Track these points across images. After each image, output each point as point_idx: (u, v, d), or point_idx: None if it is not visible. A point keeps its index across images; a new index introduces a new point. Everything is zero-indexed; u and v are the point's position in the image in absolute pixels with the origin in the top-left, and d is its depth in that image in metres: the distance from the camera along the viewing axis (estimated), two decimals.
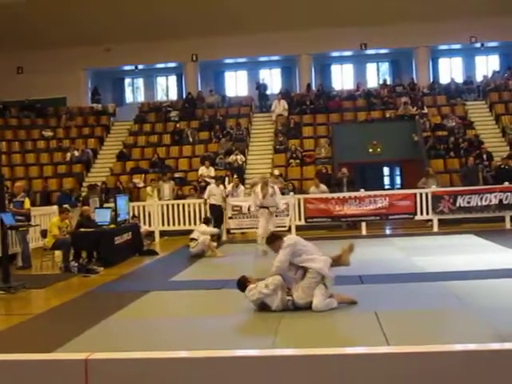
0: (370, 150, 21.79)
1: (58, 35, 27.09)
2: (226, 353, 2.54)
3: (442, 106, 25.11)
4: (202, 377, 2.43)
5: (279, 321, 7.10)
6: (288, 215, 17.13)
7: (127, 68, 30.07)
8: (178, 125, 25.04)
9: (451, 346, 2.50)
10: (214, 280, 10.43)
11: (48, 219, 15.42)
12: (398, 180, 25.68)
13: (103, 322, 7.51)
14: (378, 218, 17.14)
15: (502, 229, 16.28)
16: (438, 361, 2.35)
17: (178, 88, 30.77)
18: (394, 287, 9.04)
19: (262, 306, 7.65)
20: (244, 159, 22.43)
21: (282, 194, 18.41)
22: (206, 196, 17.13)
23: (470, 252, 12.29)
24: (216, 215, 16.76)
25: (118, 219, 13.97)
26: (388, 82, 27.84)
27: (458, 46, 28.74)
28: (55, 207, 16.27)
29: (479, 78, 27.89)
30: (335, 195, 17.53)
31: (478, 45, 27.83)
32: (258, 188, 14.45)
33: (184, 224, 17.69)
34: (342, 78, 29.91)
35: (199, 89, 28.54)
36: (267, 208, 14.12)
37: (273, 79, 29.91)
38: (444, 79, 28.23)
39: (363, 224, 17.00)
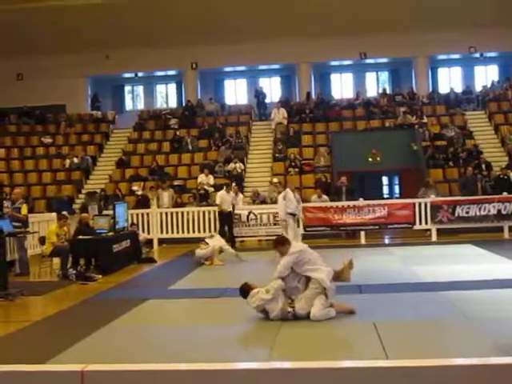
0: (369, 159, 21.80)
1: (58, 42, 27.12)
2: (225, 365, 2.53)
3: (441, 115, 25.16)
4: None
5: (277, 330, 7.07)
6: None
7: (127, 75, 30.10)
8: (177, 132, 25.05)
9: (451, 360, 2.48)
10: (212, 288, 10.41)
11: (46, 226, 15.40)
12: (396, 189, 25.69)
13: (101, 330, 7.48)
14: (376, 227, 17.14)
15: (500, 239, 16.28)
16: (437, 375, 2.34)
17: (177, 96, 30.79)
18: (392, 297, 9.02)
19: (264, 313, 7.64)
20: (243, 167, 22.43)
21: None
22: (218, 202, 16.99)
23: (468, 262, 12.28)
24: (226, 222, 16.71)
25: (117, 227, 13.95)
26: (387, 92, 27.88)
27: (457, 56, 28.82)
28: (54, 214, 16.25)
29: (478, 87, 27.95)
30: (334, 204, 17.52)
31: (477, 55, 27.90)
32: (291, 195, 14.38)
33: (183, 232, 17.70)
34: (342, 87, 29.96)
35: (199, 97, 28.57)
36: (295, 215, 14.22)
37: (272, 88, 29.94)
38: (443, 89, 28.29)
39: (362, 233, 17.00)
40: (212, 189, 20.33)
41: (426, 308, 8.16)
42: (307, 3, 25.90)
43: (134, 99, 31.62)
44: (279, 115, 25.38)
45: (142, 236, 16.12)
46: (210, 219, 17.54)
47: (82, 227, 13.48)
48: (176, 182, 21.67)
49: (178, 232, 17.72)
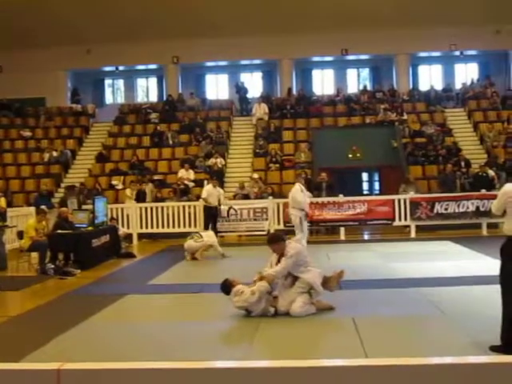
0: (350, 156, 21.87)
1: (39, 35, 26.85)
2: (204, 364, 2.52)
3: (421, 112, 25.29)
4: None
5: (257, 327, 7.08)
6: (267, 219, 17.14)
7: (107, 69, 29.89)
8: (158, 127, 24.93)
9: (427, 359, 2.50)
10: (192, 284, 10.41)
11: (25, 220, 15.28)
12: (376, 186, 25.80)
13: (79, 325, 7.44)
14: (356, 223, 17.22)
15: (478, 235, 16.42)
16: (415, 373, 2.36)
17: (158, 90, 30.65)
18: (371, 293, 9.08)
19: (246, 310, 7.62)
20: (224, 162, 22.39)
21: (261, 197, 18.50)
22: (204, 196, 16.80)
23: (447, 258, 12.37)
24: (211, 217, 16.62)
25: (96, 221, 13.88)
26: (368, 88, 27.98)
27: (437, 54, 29.01)
28: (32, 208, 16.12)
29: (458, 85, 28.15)
30: (314, 200, 17.55)
31: (458, 53, 28.07)
32: (302, 187, 14.11)
33: (163, 227, 17.64)
34: (323, 83, 30.01)
35: (180, 91, 28.46)
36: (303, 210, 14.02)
37: (254, 83, 29.90)
38: (424, 86, 28.44)
39: (342, 229, 17.07)
40: (192, 184, 20.28)
41: (405, 304, 8.22)
42: None
43: (114, 93, 31.42)
44: (260, 111, 25.37)
45: (122, 231, 16.05)
46: (190, 214, 17.49)
47: (61, 222, 13.38)
48: (156, 177, 21.58)
49: (157, 227, 17.66)
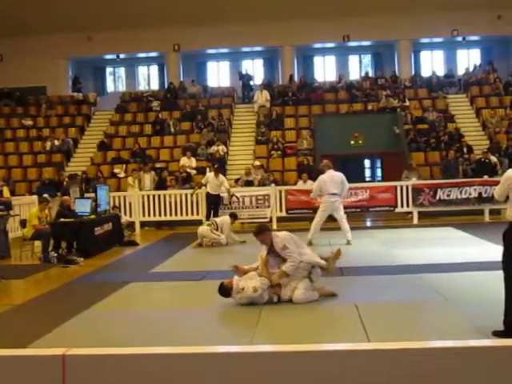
0: (352, 142, 21.83)
1: (39, 23, 26.78)
2: (207, 349, 2.53)
3: (423, 98, 25.22)
4: (183, 373, 2.42)
5: (259, 314, 7.10)
6: (269, 206, 17.15)
7: (109, 57, 29.79)
8: (159, 115, 24.87)
9: (429, 342, 2.51)
10: (194, 271, 10.43)
11: (27, 209, 15.30)
12: (378, 172, 25.77)
13: (83, 313, 7.46)
14: (358, 210, 17.21)
15: (481, 222, 16.43)
16: (416, 357, 2.37)
17: (159, 78, 30.59)
18: (373, 279, 9.10)
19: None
20: (226, 150, 22.37)
21: (263, 185, 18.48)
22: (203, 181, 16.87)
23: (449, 245, 12.38)
24: (213, 204, 16.57)
25: (99, 210, 13.89)
26: (370, 75, 27.89)
27: (439, 40, 28.85)
28: (35, 197, 16.14)
29: (460, 71, 28.04)
30: None
31: (460, 38, 27.95)
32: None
33: (165, 215, 17.65)
34: (325, 70, 29.91)
35: (181, 79, 28.37)
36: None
37: (255, 70, 29.80)
38: (426, 72, 28.34)
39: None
40: (194, 171, 20.27)
41: (407, 290, 8.24)
42: None
43: (115, 81, 31.36)
44: (262, 98, 25.30)
45: (124, 219, 16.07)
46: (192, 202, 17.50)
47: (64, 210, 13.39)
48: (158, 165, 21.56)
49: (160, 215, 17.67)
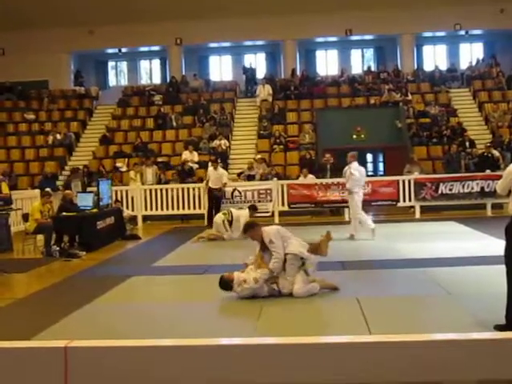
0: (354, 137, 21.79)
1: (41, 17, 26.75)
2: (209, 341, 2.54)
3: (425, 93, 25.17)
4: (185, 365, 2.43)
5: (261, 307, 7.11)
6: (271, 201, 17.15)
7: (111, 51, 29.76)
8: (161, 109, 24.87)
9: (432, 335, 2.51)
10: (196, 265, 10.44)
11: (30, 203, 15.32)
12: (381, 167, 25.72)
13: (85, 307, 7.48)
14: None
15: (483, 216, 16.42)
16: (419, 350, 2.37)
17: (161, 72, 30.55)
18: (375, 273, 9.11)
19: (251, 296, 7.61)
20: (228, 144, 22.36)
21: (266, 179, 18.47)
22: (206, 177, 16.86)
23: (451, 239, 12.38)
24: (214, 199, 16.57)
25: (101, 203, 13.90)
26: (372, 69, 27.85)
27: (442, 34, 28.79)
28: (37, 191, 16.15)
29: (463, 65, 27.98)
30: (318, 181, 17.57)
31: (463, 32, 27.88)
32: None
33: (167, 209, 17.67)
34: (327, 64, 29.86)
35: (183, 73, 28.34)
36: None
37: (257, 64, 29.76)
38: (428, 66, 28.29)
39: (346, 210, 17.03)
40: (196, 166, 20.27)
41: (409, 284, 8.25)
42: None
43: (117, 75, 31.34)
44: (264, 92, 25.28)
45: (126, 213, 16.08)
46: (194, 196, 17.51)
47: (66, 204, 13.42)
48: (160, 159, 21.57)
49: (162, 209, 17.69)
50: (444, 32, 28.47)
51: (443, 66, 27.97)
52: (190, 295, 8.27)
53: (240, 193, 17.11)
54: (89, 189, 16.54)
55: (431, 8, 26.09)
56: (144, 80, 30.75)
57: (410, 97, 24.10)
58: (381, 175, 22.87)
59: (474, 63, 27.31)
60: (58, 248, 12.20)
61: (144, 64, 31.19)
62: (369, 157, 26.37)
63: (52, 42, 27.35)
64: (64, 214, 13.05)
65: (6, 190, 13.25)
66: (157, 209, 17.68)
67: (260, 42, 29.43)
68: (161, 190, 17.82)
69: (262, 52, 30.28)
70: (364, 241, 12.61)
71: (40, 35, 27.23)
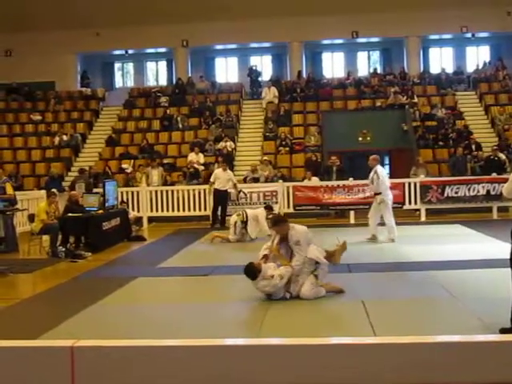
0: (360, 139, 21.78)
1: (48, 18, 26.84)
2: (213, 341, 2.55)
3: (432, 95, 25.13)
4: (189, 365, 2.44)
5: (266, 309, 7.11)
6: (277, 203, 17.14)
7: (117, 52, 29.83)
8: (167, 110, 24.91)
9: (437, 337, 2.51)
10: (201, 266, 10.43)
11: (36, 203, 15.36)
12: (386, 169, 25.69)
13: (90, 308, 7.49)
14: (366, 206, 17.12)
15: (489, 219, 16.36)
16: (423, 352, 2.37)
17: (168, 73, 30.60)
18: (381, 276, 9.10)
19: (267, 295, 7.59)
20: (234, 146, 22.38)
21: (271, 181, 18.48)
22: (211, 179, 16.79)
23: (457, 242, 12.36)
24: (220, 201, 16.58)
25: (107, 205, 13.93)
26: (378, 71, 27.83)
27: (448, 36, 28.76)
28: (43, 192, 16.19)
29: (469, 68, 27.94)
30: (324, 183, 17.56)
31: (469, 35, 27.85)
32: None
33: (172, 210, 17.68)
34: (333, 66, 29.85)
35: (189, 74, 28.38)
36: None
37: (264, 66, 29.79)
38: (434, 69, 28.25)
39: (352, 212, 17.04)
40: (202, 167, 20.29)
41: (414, 287, 8.24)
42: None
43: (123, 76, 31.41)
44: (270, 94, 25.30)
45: (132, 214, 16.11)
46: (200, 198, 17.52)
47: (72, 205, 13.44)
48: (166, 161, 21.60)
49: (167, 210, 17.70)
50: (450, 34, 28.46)
51: (449, 68, 27.92)
52: (196, 296, 8.27)
53: (245, 194, 17.12)
54: (95, 190, 16.56)
55: (438, 10, 26.07)
56: (150, 81, 30.79)
57: (416, 99, 24.06)
58: None
59: (480, 66, 27.27)
60: (63, 249, 12.23)
61: (150, 65, 31.25)
62: None
63: (59, 43, 27.41)
64: (70, 214, 13.07)
65: (10, 190, 13.27)
66: (162, 210, 17.70)
67: (266, 44, 29.43)
68: (166, 191, 17.84)
69: (268, 54, 30.30)
70: (369, 243, 12.60)
71: (47, 37, 27.30)
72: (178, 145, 23.07)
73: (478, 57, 28.90)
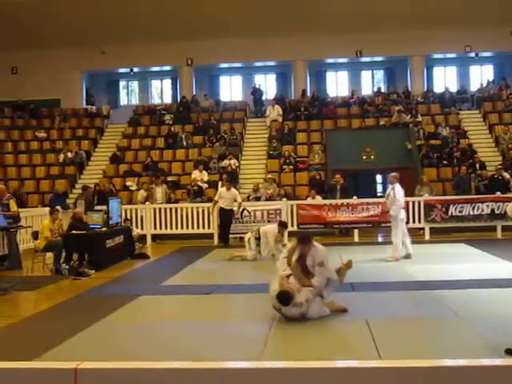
0: (364, 157, 21.79)
1: (54, 36, 27.02)
2: (217, 364, 2.53)
3: (435, 114, 25.18)
4: None
5: (269, 328, 7.08)
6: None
7: (122, 70, 30.01)
8: (172, 128, 25.00)
9: (440, 361, 2.49)
10: (204, 285, 10.41)
11: (39, 221, 15.37)
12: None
13: (93, 325, 7.47)
14: (370, 225, 17.16)
15: (493, 238, 16.31)
16: (427, 376, 2.35)
17: (172, 91, 30.74)
18: (385, 295, 9.05)
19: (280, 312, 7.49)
20: (238, 164, 22.42)
21: (275, 199, 18.45)
22: (216, 198, 16.78)
23: (461, 261, 12.31)
24: (223, 219, 16.57)
25: (110, 222, 13.93)
26: (382, 90, 27.92)
27: (452, 55, 28.87)
28: (47, 209, 16.19)
29: (473, 87, 28.01)
30: (328, 202, 17.55)
31: (473, 54, 27.97)
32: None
33: (176, 228, 17.67)
34: (337, 85, 29.96)
35: (194, 93, 28.51)
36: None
37: (268, 85, 29.91)
38: (438, 88, 28.32)
39: (355, 231, 17.01)
40: (206, 185, 20.30)
41: (419, 306, 8.20)
42: (303, 0, 25.89)
43: (128, 94, 31.57)
44: (274, 112, 25.38)
45: (136, 232, 16.10)
46: (203, 216, 17.51)
47: (76, 222, 13.45)
48: (170, 178, 21.63)
49: (171, 228, 17.69)
50: (454, 54, 28.57)
51: (453, 87, 27.99)
52: (198, 315, 8.23)
53: (249, 212, 17.11)
54: (99, 207, 16.57)
55: (441, 30, 26.18)
56: (155, 99, 30.94)
57: (420, 118, 24.12)
58: None
59: (484, 85, 27.35)
60: (67, 266, 12.23)
61: (155, 83, 31.40)
62: (378, 178, 26.37)
63: (64, 61, 27.60)
64: (74, 232, 13.08)
65: (14, 207, 13.29)
66: (166, 228, 17.68)
67: (270, 63, 29.59)
68: (170, 209, 17.84)
69: (272, 72, 30.44)
70: (373, 262, 12.56)
71: (52, 54, 27.50)
72: (182, 162, 23.12)
73: (481, 76, 28.98)
